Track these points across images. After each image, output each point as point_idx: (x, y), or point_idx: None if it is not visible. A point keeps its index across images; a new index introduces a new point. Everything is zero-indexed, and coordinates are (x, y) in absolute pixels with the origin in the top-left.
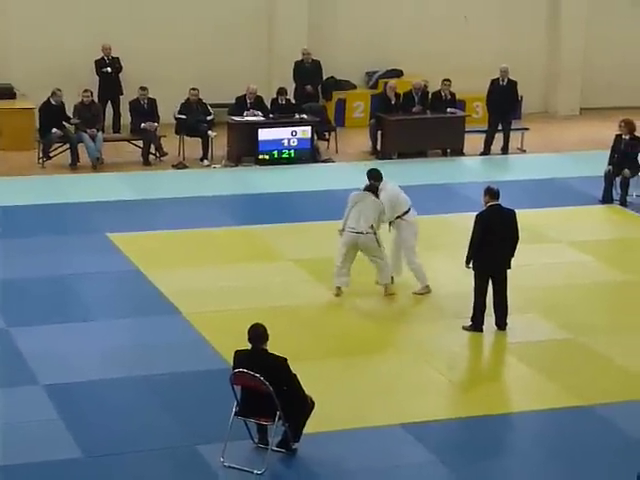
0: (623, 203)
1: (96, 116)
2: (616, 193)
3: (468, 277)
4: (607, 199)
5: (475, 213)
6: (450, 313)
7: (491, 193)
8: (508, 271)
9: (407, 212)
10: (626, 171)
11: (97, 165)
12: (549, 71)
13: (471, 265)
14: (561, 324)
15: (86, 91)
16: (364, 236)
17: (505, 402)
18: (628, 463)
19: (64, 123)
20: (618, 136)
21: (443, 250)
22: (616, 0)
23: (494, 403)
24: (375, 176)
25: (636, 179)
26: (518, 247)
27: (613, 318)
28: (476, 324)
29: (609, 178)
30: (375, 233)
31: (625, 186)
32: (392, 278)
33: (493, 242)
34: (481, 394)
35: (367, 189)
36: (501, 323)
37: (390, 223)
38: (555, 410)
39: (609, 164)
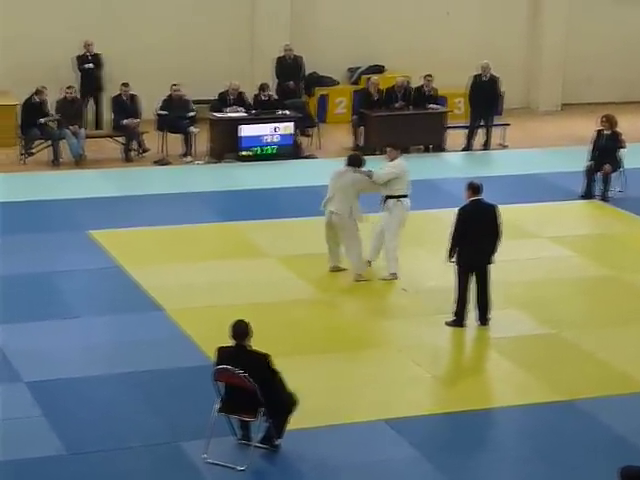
0: (604, 198)
1: (78, 112)
2: (597, 188)
3: (450, 272)
4: (588, 194)
5: (457, 208)
6: (433, 308)
7: (473, 188)
8: (490, 266)
9: (405, 196)
10: (607, 166)
11: (79, 161)
12: (530, 67)
13: (453, 260)
14: (543, 319)
15: (70, 87)
16: (335, 215)
17: (488, 397)
18: (610, 458)
19: (40, 120)
20: (599, 131)
21: (425, 245)
22: None
23: (477, 398)
24: (354, 160)
25: (617, 174)
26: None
27: (595, 313)
28: (459, 319)
29: (590, 173)
30: (350, 216)
31: (606, 181)
32: (369, 262)
33: (474, 237)
34: (464, 389)
35: (349, 163)
36: (483, 318)
37: (385, 201)
38: (538, 405)
39: (590, 159)
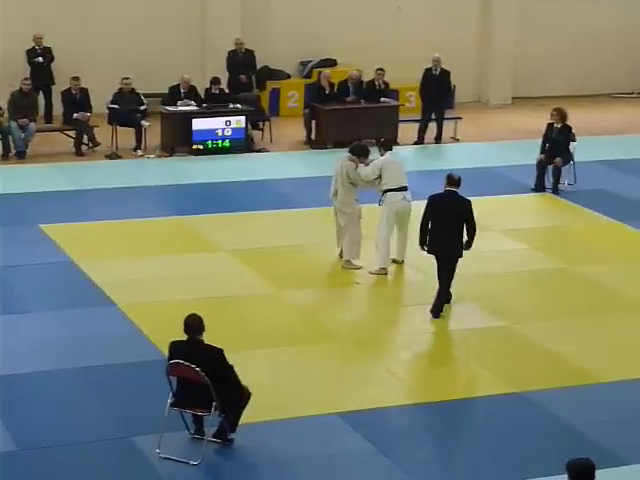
0: (555, 191)
1: (31, 105)
2: (548, 181)
3: (403, 266)
4: (539, 187)
5: (409, 202)
6: (386, 301)
7: (449, 179)
8: (454, 260)
9: (393, 190)
10: (558, 159)
11: (21, 156)
12: (481, 60)
13: (426, 247)
14: (496, 311)
15: (26, 79)
16: (335, 201)
17: (441, 390)
18: (561, 449)
19: None
20: (550, 125)
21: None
22: None
23: (430, 391)
24: (354, 149)
25: (567, 167)
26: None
27: (547, 305)
28: (435, 310)
29: (541, 167)
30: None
31: (557, 174)
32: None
33: (438, 226)
34: (417, 382)
35: (350, 150)
36: (435, 310)
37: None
38: (490, 397)
39: (541, 153)
